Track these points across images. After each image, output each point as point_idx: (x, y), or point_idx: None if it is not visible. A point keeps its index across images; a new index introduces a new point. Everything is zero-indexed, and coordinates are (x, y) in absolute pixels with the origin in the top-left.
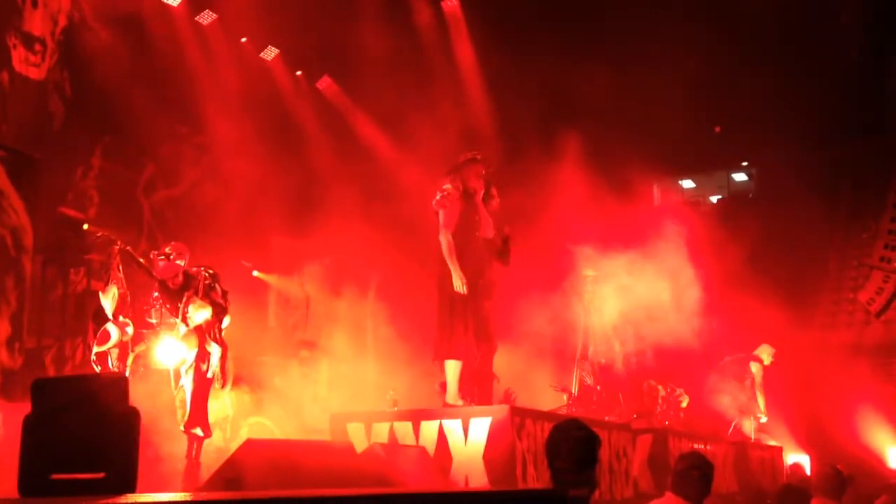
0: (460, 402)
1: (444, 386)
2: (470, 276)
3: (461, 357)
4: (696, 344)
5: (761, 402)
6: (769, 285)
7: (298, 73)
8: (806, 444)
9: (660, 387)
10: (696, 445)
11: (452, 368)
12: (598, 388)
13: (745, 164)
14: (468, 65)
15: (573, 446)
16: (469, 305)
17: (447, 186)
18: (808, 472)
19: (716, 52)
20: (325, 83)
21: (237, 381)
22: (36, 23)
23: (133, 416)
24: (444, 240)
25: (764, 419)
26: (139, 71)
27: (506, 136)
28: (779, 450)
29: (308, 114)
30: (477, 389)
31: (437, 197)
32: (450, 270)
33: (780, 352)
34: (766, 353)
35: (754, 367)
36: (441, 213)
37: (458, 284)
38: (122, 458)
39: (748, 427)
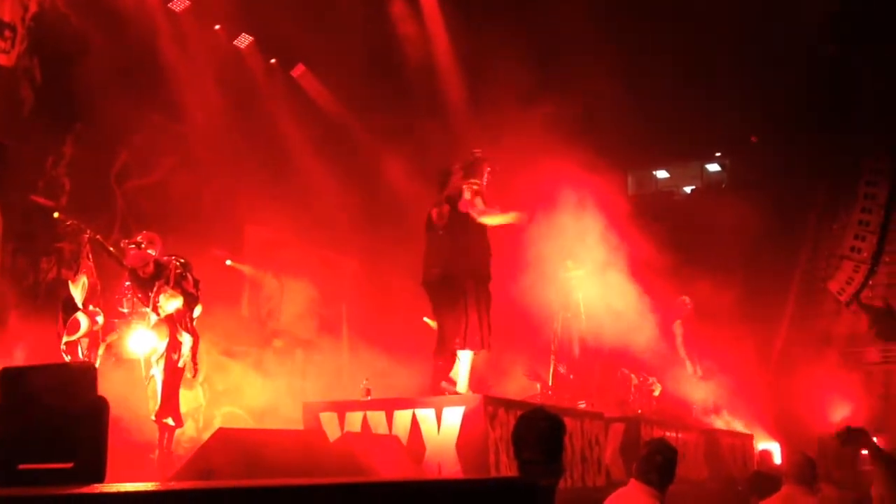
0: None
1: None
2: (482, 269)
3: (477, 347)
4: (666, 334)
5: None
6: (741, 274)
7: (273, 60)
8: (776, 432)
9: (633, 375)
10: (668, 433)
11: (468, 359)
12: (572, 377)
13: (718, 154)
14: (442, 49)
15: (540, 437)
16: (482, 297)
17: (474, 183)
18: (776, 459)
19: (693, 43)
20: (299, 71)
21: (210, 372)
22: (6, 8)
23: (101, 405)
24: (478, 213)
25: (700, 373)
26: (111, 58)
27: (479, 122)
28: (749, 437)
29: (283, 102)
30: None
31: (467, 196)
32: (464, 266)
33: (751, 341)
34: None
35: (676, 328)
36: (476, 204)
37: (514, 216)
38: (90, 448)
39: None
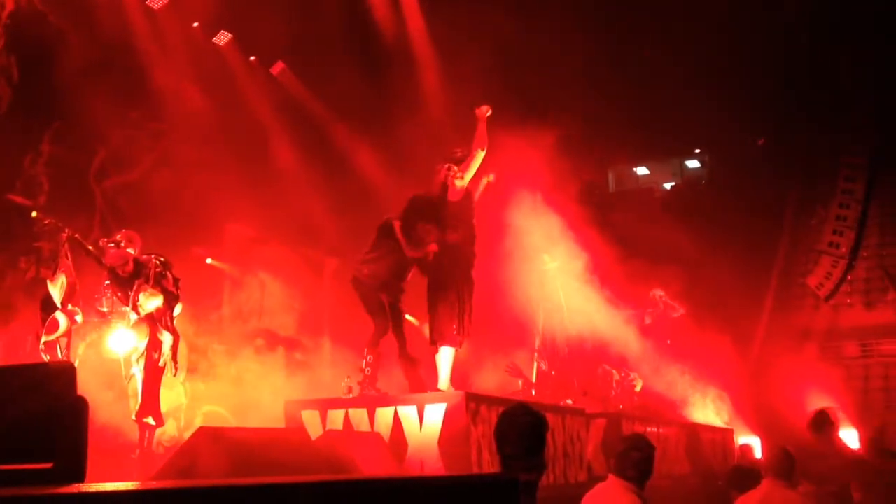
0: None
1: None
2: (468, 263)
3: (458, 343)
4: (648, 330)
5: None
6: (721, 270)
7: (252, 58)
8: (756, 427)
9: (614, 371)
10: (649, 428)
11: (451, 356)
12: (553, 373)
13: (698, 151)
14: (423, 48)
15: (521, 432)
16: (468, 294)
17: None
18: (757, 453)
19: (673, 41)
20: (278, 68)
21: (191, 371)
22: None
23: (81, 405)
24: (462, 175)
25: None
26: (89, 55)
27: (459, 121)
28: (729, 432)
29: (262, 99)
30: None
31: (457, 181)
32: (452, 259)
33: (730, 336)
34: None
35: (647, 318)
36: (458, 173)
37: (481, 151)
38: (70, 448)
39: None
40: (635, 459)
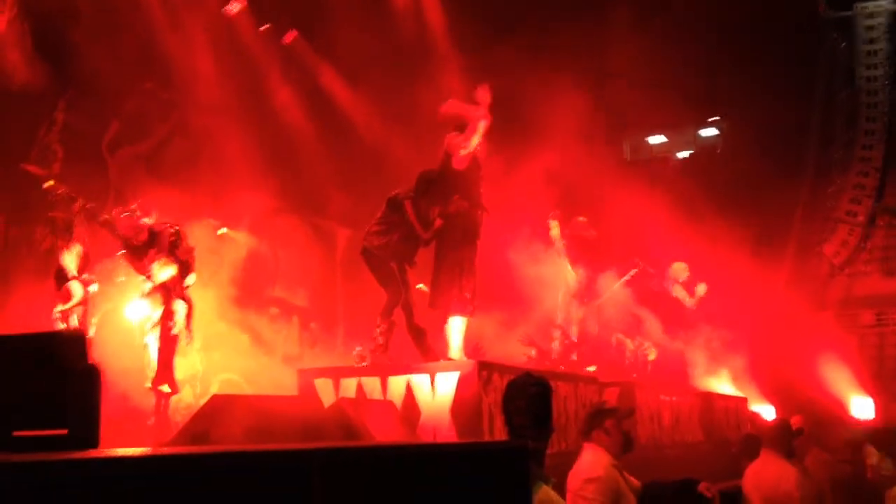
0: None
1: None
2: (474, 232)
3: (471, 314)
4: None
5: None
6: (736, 239)
7: (265, 26)
8: (770, 395)
9: (628, 340)
10: (662, 397)
11: (463, 325)
12: (567, 342)
13: (712, 119)
14: (435, 15)
15: (529, 403)
16: (470, 261)
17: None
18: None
19: (687, 8)
20: (291, 37)
21: (206, 339)
22: None
23: (93, 372)
24: (466, 145)
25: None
26: (103, 24)
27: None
28: (743, 400)
29: (276, 68)
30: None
31: (461, 152)
32: (455, 226)
33: (746, 304)
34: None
35: (678, 290)
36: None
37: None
38: (83, 414)
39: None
40: (587, 416)
